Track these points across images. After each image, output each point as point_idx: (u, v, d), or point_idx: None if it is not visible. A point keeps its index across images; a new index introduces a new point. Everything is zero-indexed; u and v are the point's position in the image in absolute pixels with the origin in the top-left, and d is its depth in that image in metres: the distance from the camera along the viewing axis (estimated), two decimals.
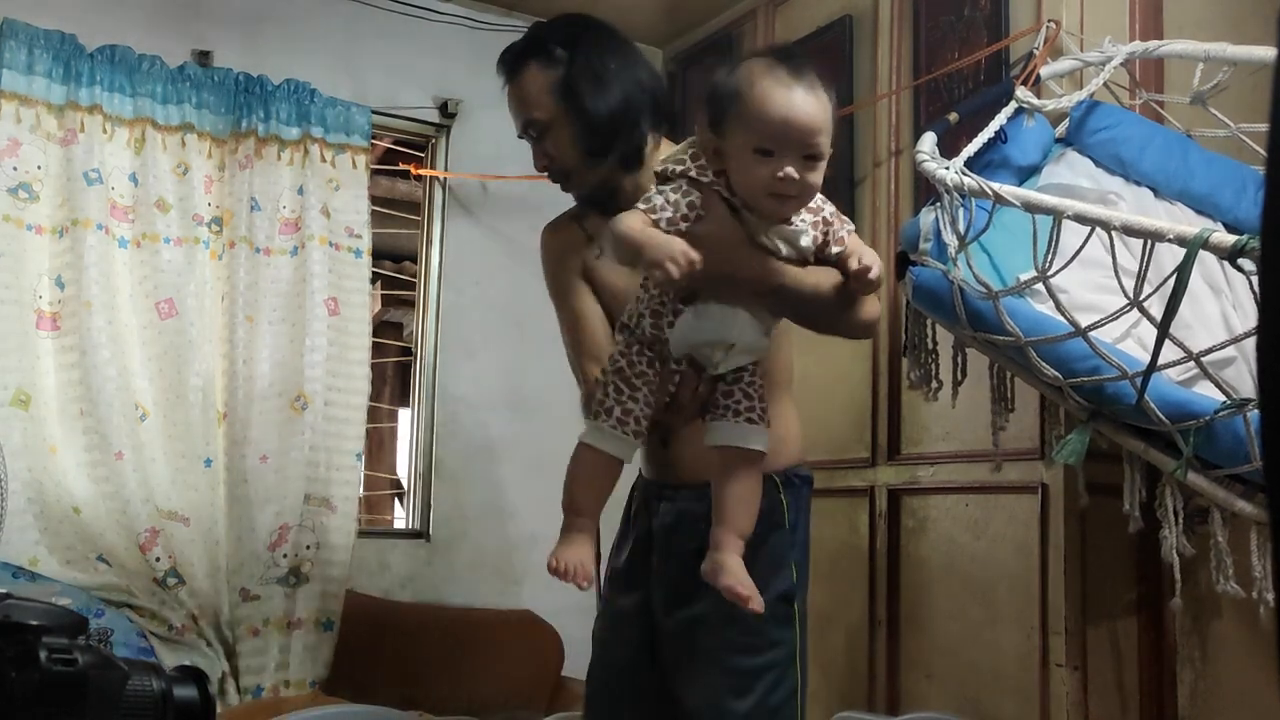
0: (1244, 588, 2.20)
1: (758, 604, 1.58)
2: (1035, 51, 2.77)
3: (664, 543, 1.90)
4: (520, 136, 1.99)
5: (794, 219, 1.58)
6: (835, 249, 1.62)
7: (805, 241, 1.59)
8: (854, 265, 1.60)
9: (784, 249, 1.59)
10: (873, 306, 1.76)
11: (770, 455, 1.68)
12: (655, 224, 1.52)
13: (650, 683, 1.90)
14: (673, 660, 1.87)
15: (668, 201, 1.54)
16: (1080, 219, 2.03)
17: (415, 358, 4.01)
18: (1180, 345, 2.03)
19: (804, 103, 1.49)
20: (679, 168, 1.57)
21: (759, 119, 1.48)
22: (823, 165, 1.53)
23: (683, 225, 1.53)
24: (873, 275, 1.59)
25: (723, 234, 1.55)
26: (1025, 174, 2.64)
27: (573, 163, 1.93)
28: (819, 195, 1.60)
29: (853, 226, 1.66)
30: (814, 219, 1.61)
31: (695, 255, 1.45)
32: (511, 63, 1.95)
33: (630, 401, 1.59)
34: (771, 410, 1.68)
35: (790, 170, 1.48)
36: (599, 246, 1.90)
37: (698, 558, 1.64)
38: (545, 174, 1.98)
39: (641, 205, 1.55)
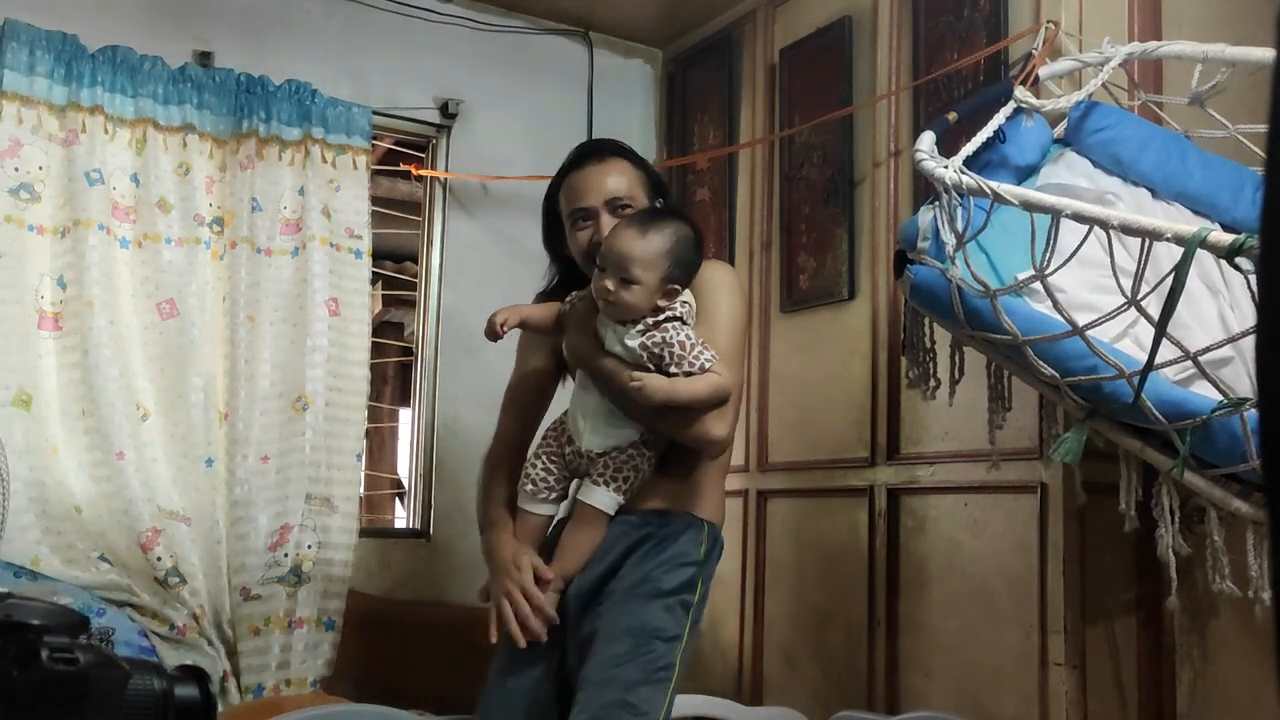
0: (1241, 587, 2.20)
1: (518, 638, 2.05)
2: (1034, 52, 2.78)
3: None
4: (583, 210, 2.18)
5: (632, 326, 2.01)
6: (673, 370, 1.98)
7: (630, 342, 2.00)
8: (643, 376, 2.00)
9: (616, 345, 2.03)
10: (714, 426, 2.03)
11: (693, 503, 2.12)
12: (567, 301, 2.19)
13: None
14: (580, 655, 2.05)
15: (580, 294, 2.14)
16: (1078, 218, 2.04)
17: (415, 358, 4.01)
18: (1177, 344, 2.03)
19: (626, 241, 2.00)
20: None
21: (601, 246, 2.06)
22: (638, 289, 1.98)
23: (565, 305, 2.17)
24: (634, 386, 1.97)
25: (580, 318, 2.12)
26: (1024, 174, 2.65)
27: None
28: (689, 336, 2.01)
29: (711, 362, 1.99)
30: (659, 336, 1.99)
31: (513, 319, 2.17)
32: (602, 149, 2.26)
33: (535, 468, 2.18)
34: (699, 475, 2.13)
35: (607, 283, 1.99)
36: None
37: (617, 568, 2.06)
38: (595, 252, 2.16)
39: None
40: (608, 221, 2.13)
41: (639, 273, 1.98)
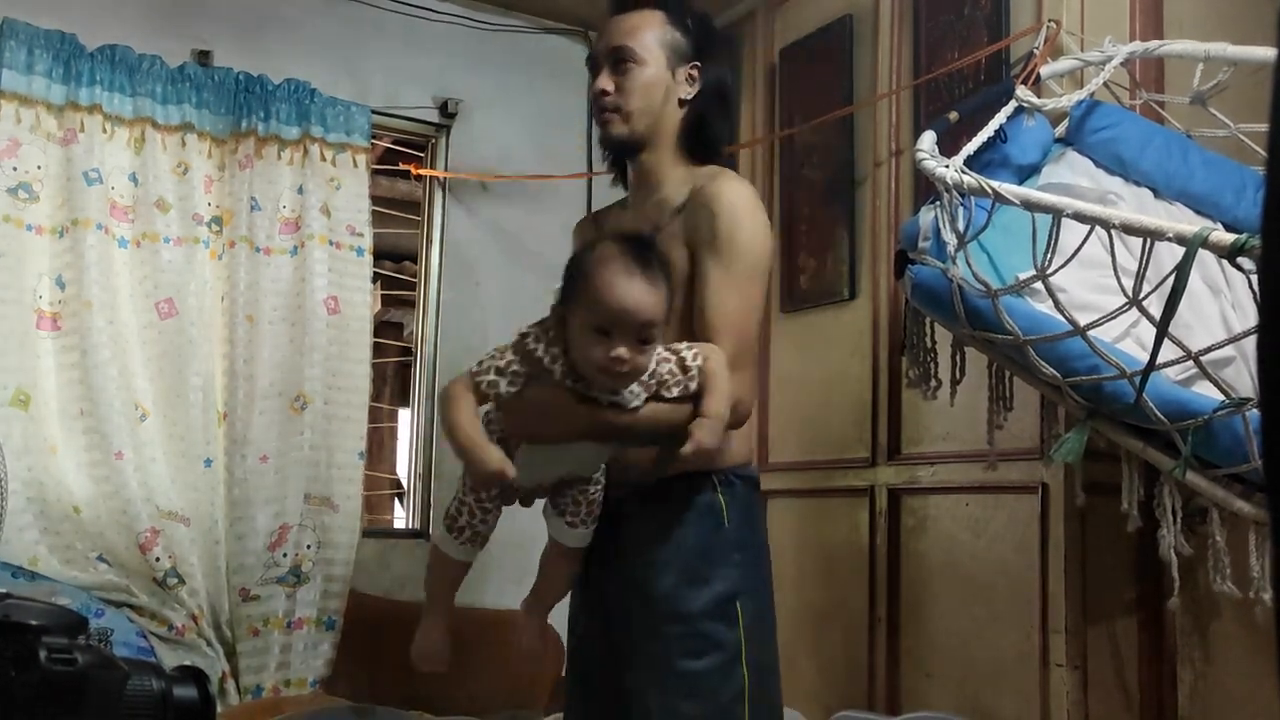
0: (1242, 588, 2.20)
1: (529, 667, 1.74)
2: (1035, 51, 2.77)
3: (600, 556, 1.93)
4: (592, 59, 1.96)
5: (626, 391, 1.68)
6: (675, 392, 1.69)
7: (635, 404, 1.69)
8: (692, 435, 1.64)
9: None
10: (741, 398, 1.77)
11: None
12: (480, 387, 1.66)
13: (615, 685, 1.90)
14: (623, 659, 1.85)
15: (499, 368, 1.67)
16: (1079, 217, 2.03)
17: (415, 358, 4.01)
18: (1179, 344, 2.03)
19: (641, 293, 1.62)
20: (529, 331, 1.70)
21: (600, 302, 1.61)
22: (654, 346, 1.65)
23: (508, 389, 1.67)
24: (692, 453, 1.63)
25: (546, 399, 1.68)
26: (1025, 173, 2.64)
27: (634, 105, 1.91)
28: (669, 353, 1.70)
29: (697, 359, 1.69)
30: (658, 372, 1.68)
31: (509, 471, 1.63)
32: (630, 1, 1.97)
33: (481, 525, 1.80)
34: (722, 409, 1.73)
35: (622, 351, 1.60)
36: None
37: (640, 559, 1.81)
38: (602, 99, 1.92)
39: (473, 368, 1.68)
40: (604, 75, 1.91)
41: (658, 331, 1.65)
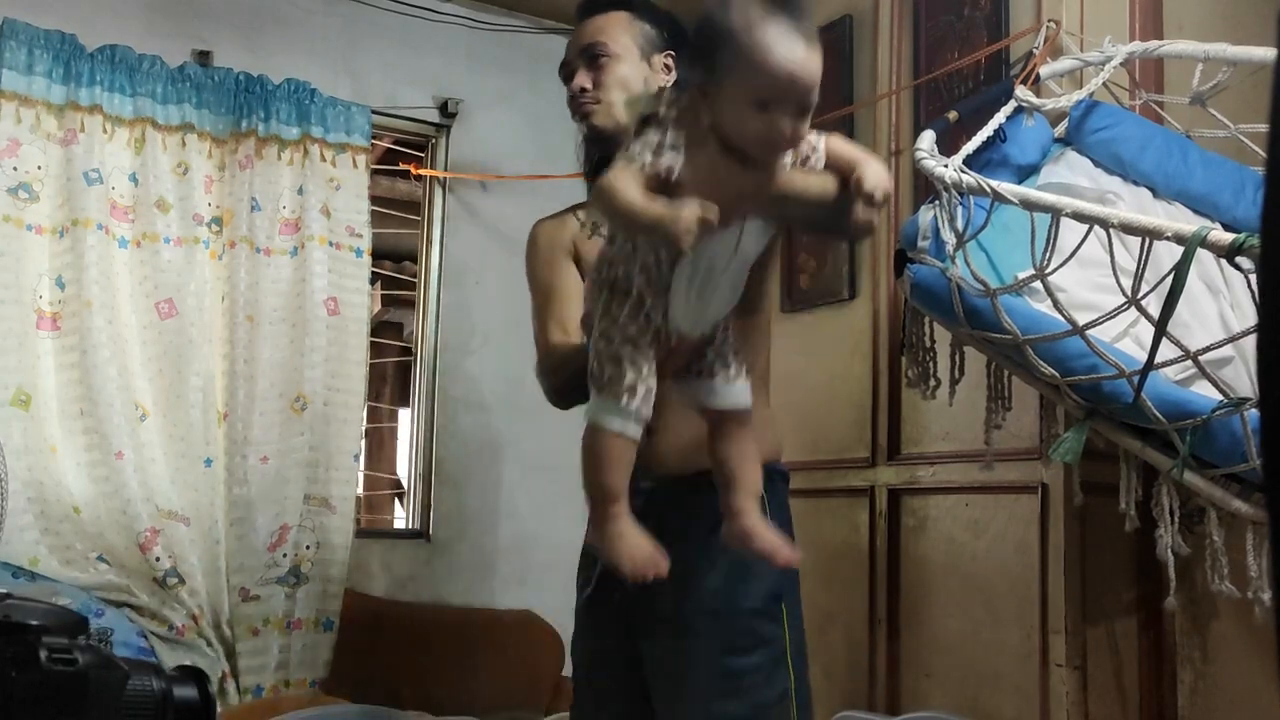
0: (1241, 587, 2.20)
1: (790, 555, 1.51)
2: (1035, 51, 2.78)
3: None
4: (565, 65, 1.98)
5: None
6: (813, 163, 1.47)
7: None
8: (859, 184, 1.43)
9: None
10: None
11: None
12: (646, 178, 1.39)
13: (634, 684, 1.84)
14: (659, 663, 1.81)
15: (652, 151, 1.39)
16: (1078, 217, 2.03)
17: (415, 358, 4.01)
18: (1178, 344, 2.03)
19: (807, 57, 1.36)
20: (660, 111, 1.43)
21: (761, 72, 1.35)
22: (810, 115, 1.42)
23: (670, 173, 1.39)
24: (878, 199, 1.43)
25: (717, 176, 1.40)
26: (1024, 173, 2.64)
27: (613, 96, 1.93)
28: None
29: (820, 140, 1.48)
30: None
31: (712, 213, 1.31)
32: (594, 6, 1.99)
33: (650, 377, 1.44)
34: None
35: (785, 124, 1.37)
36: (589, 222, 1.98)
37: (681, 555, 1.53)
38: (581, 95, 1.94)
39: (624, 162, 1.40)
40: (581, 74, 1.94)
41: (815, 95, 1.41)
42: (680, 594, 1.71)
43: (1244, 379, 2.16)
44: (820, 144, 1.47)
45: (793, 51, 1.35)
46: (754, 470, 1.54)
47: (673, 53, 1.97)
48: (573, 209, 2.09)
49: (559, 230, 2.06)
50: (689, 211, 1.30)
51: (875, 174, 1.43)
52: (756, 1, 1.38)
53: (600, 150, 1.95)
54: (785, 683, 1.78)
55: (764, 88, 1.35)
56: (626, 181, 1.37)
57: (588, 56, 1.94)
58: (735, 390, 1.53)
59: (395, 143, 4.19)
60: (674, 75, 1.96)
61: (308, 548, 3.40)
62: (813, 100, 1.39)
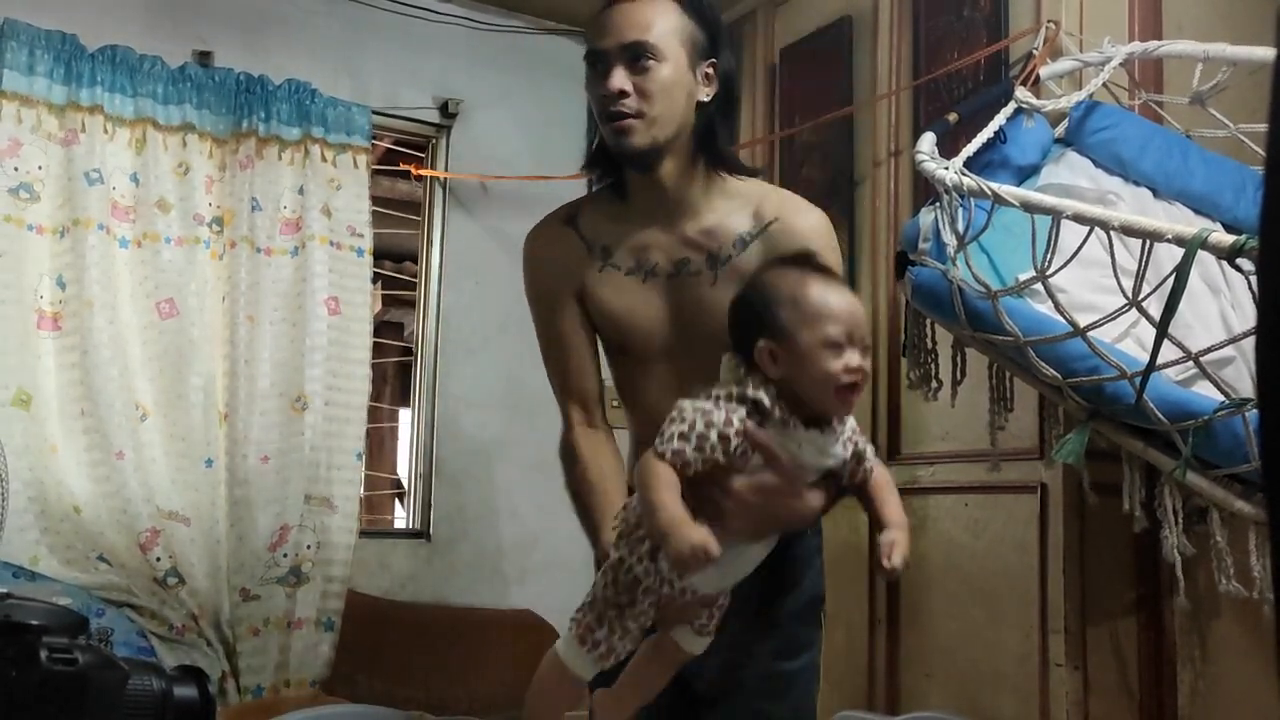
0: (1247, 587, 2.20)
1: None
2: (1035, 52, 2.78)
3: None
4: (597, 55, 1.71)
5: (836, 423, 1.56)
6: (865, 465, 1.61)
7: (838, 450, 1.57)
8: (886, 552, 1.55)
9: (823, 459, 1.57)
10: None
11: None
12: (665, 457, 1.44)
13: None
14: (710, 671, 1.74)
15: (682, 434, 1.45)
16: (1079, 219, 2.04)
17: (415, 358, 4.01)
18: (1179, 345, 2.03)
19: (852, 300, 1.53)
20: (731, 390, 1.49)
21: (826, 315, 1.48)
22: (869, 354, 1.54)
23: (722, 457, 1.46)
24: (897, 573, 1.54)
25: (777, 482, 1.50)
26: (1025, 174, 2.64)
27: (657, 110, 1.69)
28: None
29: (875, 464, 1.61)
30: (853, 423, 1.60)
31: (714, 549, 1.38)
32: None
33: (620, 641, 1.52)
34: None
35: (858, 358, 1.49)
36: (597, 245, 1.80)
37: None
38: (619, 100, 1.68)
39: (672, 444, 1.44)
40: (619, 74, 1.67)
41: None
42: (738, 601, 1.67)
43: (1246, 379, 2.16)
44: (875, 466, 1.61)
45: (845, 298, 1.51)
46: (641, 694, 1.62)
47: (715, 60, 1.74)
48: (570, 219, 1.86)
49: (562, 257, 1.83)
50: (696, 538, 1.38)
51: (902, 548, 1.55)
52: (786, 269, 1.54)
53: (632, 167, 1.75)
54: (818, 684, 1.82)
55: (834, 328, 1.48)
56: (664, 478, 1.43)
57: (630, 55, 1.67)
58: (698, 641, 1.60)
59: (395, 143, 4.19)
60: (715, 87, 1.74)
61: (308, 547, 3.40)
62: (868, 341, 1.54)
